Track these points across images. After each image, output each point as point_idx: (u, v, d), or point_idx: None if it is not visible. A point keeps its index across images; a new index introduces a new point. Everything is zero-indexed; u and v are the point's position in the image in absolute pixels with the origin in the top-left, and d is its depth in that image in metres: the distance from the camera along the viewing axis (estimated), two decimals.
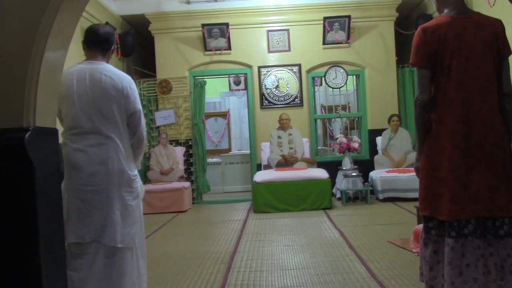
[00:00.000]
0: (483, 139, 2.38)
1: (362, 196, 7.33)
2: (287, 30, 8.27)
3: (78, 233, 2.45)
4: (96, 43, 2.66)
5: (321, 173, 6.98)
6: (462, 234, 2.35)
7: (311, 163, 7.72)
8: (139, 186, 2.72)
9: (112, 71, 2.62)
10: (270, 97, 8.30)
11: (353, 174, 7.27)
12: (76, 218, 2.46)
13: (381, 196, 7.09)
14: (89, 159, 2.49)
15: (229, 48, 8.16)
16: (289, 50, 8.29)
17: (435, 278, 2.45)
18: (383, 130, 7.93)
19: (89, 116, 2.52)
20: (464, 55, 2.41)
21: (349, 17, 7.97)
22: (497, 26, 2.47)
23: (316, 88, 9.06)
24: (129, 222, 2.59)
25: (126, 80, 2.64)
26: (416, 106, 2.50)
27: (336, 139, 7.74)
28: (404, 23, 8.79)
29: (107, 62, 2.73)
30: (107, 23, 7.08)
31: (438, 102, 2.47)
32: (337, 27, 8.05)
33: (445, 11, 2.54)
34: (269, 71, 8.29)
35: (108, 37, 2.70)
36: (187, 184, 7.65)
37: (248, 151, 9.31)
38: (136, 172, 2.71)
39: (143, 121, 2.73)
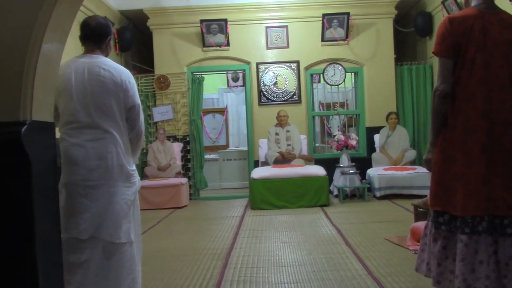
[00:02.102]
0: (503, 137, 2.38)
1: (360, 194, 7.33)
2: (286, 26, 8.26)
3: (77, 228, 2.42)
4: (89, 37, 2.62)
5: (319, 170, 6.98)
6: (476, 231, 2.34)
7: (308, 160, 7.72)
8: (137, 181, 2.70)
9: (111, 65, 2.59)
10: (268, 93, 8.29)
11: (351, 171, 7.27)
12: (75, 213, 2.44)
13: (378, 194, 7.09)
14: (87, 154, 2.46)
15: (228, 44, 8.14)
16: (287, 46, 8.28)
17: (442, 273, 2.44)
18: (381, 127, 7.94)
19: (88, 111, 2.49)
20: (489, 51, 2.40)
21: (348, 14, 7.95)
22: None
23: (315, 85, 9.05)
24: (128, 217, 2.57)
25: (125, 74, 2.61)
26: (435, 97, 2.47)
27: (334, 136, 7.73)
28: (403, 20, 8.78)
29: (107, 54, 2.70)
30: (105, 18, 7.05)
31: (457, 95, 2.44)
32: (336, 24, 8.04)
33: (473, 3, 2.52)
34: (267, 67, 8.28)
35: (100, 30, 2.65)
36: (184, 180, 7.64)
37: (245, 148, 9.30)
38: (134, 167, 2.69)
39: (142, 115, 2.71)
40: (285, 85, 8.28)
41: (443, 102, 2.46)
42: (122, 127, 2.60)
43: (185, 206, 7.46)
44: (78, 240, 2.43)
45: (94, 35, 2.62)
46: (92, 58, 2.58)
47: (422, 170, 6.85)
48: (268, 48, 8.29)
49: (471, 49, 2.40)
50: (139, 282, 2.68)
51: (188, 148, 8.25)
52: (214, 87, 11.58)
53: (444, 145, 2.47)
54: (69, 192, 2.47)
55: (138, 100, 2.67)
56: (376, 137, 8.05)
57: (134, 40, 8.35)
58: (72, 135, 2.48)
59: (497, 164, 2.37)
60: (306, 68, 8.33)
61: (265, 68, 8.28)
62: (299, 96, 8.30)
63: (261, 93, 8.29)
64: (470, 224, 2.35)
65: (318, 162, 7.85)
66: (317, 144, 9.20)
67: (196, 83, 8.26)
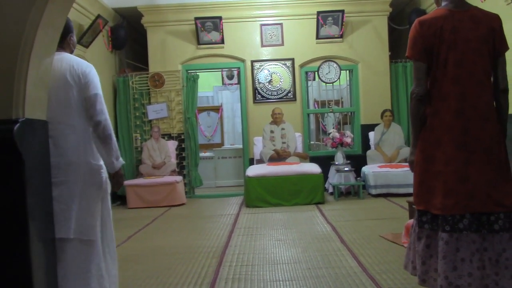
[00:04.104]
0: (480, 133, 2.39)
1: (355, 191, 7.34)
2: (281, 24, 8.25)
3: None
4: None
5: (314, 168, 6.98)
6: (456, 228, 2.35)
7: (303, 157, 7.72)
8: (104, 178, 2.61)
9: (71, 59, 2.55)
10: (263, 91, 8.28)
11: (346, 169, 7.28)
12: None
13: (373, 191, 7.10)
14: (50, 150, 2.41)
15: (222, 42, 8.12)
16: (282, 44, 8.27)
17: (427, 272, 2.45)
18: (375, 125, 7.94)
19: (50, 106, 2.43)
20: (461, 49, 2.41)
21: (342, 11, 7.95)
22: (494, 21, 2.46)
23: (309, 82, 9.04)
24: (90, 213, 2.50)
25: (85, 66, 2.55)
26: (412, 99, 2.50)
27: (329, 134, 7.73)
28: (398, 18, 8.79)
29: (71, 51, 2.66)
30: (99, 16, 7.02)
31: (434, 96, 2.47)
32: (331, 21, 8.04)
33: (443, 3, 2.53)
34: (262, 65, 8.27)
35: None
36: (179, 178, 7.62)
37: (240, 146, 9.30)
38: (101, 163, 2.60)
39: (101, 105, 2.55)
40: (280, 83, 8.27)
41: (419, 105, 2.49)
42: (86, 121, 2.53)
43: (180, 204, 7.43)
44: None
45: None
46: (54, 55, 2.53)
47: None
48: (262, 45, 8.28)
49: (443, 49, 2.42)
50: (107, 280, 2.59)
51: (183, 146, 8.24)
52: (209, 85, 11.57)
53: (424, 145, 2.50)
54: None
55: (95, 90, 2.53)
56: (371, 134, 8.06)
57: (128, 38, 8.31)
58: None
59: (478, 162, 2.38)
60: (301, 66, 8.33)
61: (260, 65, 8.27)
62: (294, 94, 8.30)
63: (256, 91, 8.28)
64: (450, 222, 2.36)
65: (313, 159, 7.87)
66: (312, 142, 9.21)
67: (191, 81, 8.25)
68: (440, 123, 2.43)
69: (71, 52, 2.66)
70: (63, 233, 2.40)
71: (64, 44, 2.63)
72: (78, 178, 2.46)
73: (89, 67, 2.57)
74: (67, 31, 2.64)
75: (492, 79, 2.49)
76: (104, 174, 2.62)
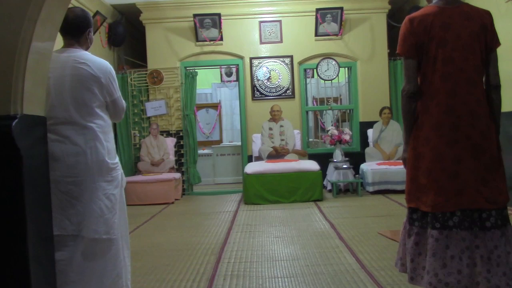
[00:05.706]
0: (471, 130, 2.38)
1: (353, 188, 7.35)
2: (279, 21, 8.24)
3: (59, 224, 2.38)
4: (67, 31, 2.55)
5: (312, 165, 6.99)
6: (446, 226, 2.36)
7: (302, 155, 7.73)
8: (120, 174, 2.64)
9: (89, 58, 2.53)
10: (261, 88, 8.28)
11: (344, 166, 7.28)
12: (57, 210, 2.39)
13: (371, 189, 7.11)
14: (67, 150, 2.42)
15: (221, 38, 8.11)
16: (281, 41, 8.26)
17: (415, 269, 2.46)
18: (374, 122, 7.95)
19: (65, 106, 2.44)
20: (451, 45, 2.41)
21: (341, 9, 7.95)
22: (485, 17, 2.46)
23: (308, 80, 9.03)
24: (111, 212, 2.53)
25: (104, 67, 2.55)
26: (403, 97, 2.51)
27: (328, 131, 7.74)
28: (397, 15, 8.78)
29: (87, 47, 2.64)
30: (97, 12, 7.01)
31: (424, 92, 2.47)
32: (330, 19, 8.03)
33: (434, 1, 2.54)
34: (260, 62, 8.26)
35: (78, 23, 2.57)
36: (177, 175, 7.62)
37: (239, 143, 9.30)
38: (116, 160, 2.63)
39: (121, 104, 2.68)
40: (279, 80, 8.27)
41: (410, 102, 2.49)
42: (102, 120, 2.55)
43: (179, 201, 7.44)
44: (61, 236, 2.38)
45: (72, 29, 2.54)
46: (70, 52, 2.52)
47: None
48: (261, 42, 8.27)
49: (433, 46, 2.42)
50: (124, 277, 2.63)
51: (182, 143, 8.24)
52: (207, 82, 11.56)
53: (415, 143, 2.50)
54: (51, 188, 2.41)
55: (116, 94, 2.61)
56: (370, 131, 8.06)
57: (127, 34, 8.30)
58: (51, 131, 2.42)
59: (468, 158, 2.37)
60: (300, 63, 8.33)
61: (258, 63, 8.26)
62: (293, 91, 8.29)
63: (255, 88, 8.28)
64: (440, 219, 2.36)
65: (311, 157, 7.86)
66: (310, 139, 9.21)
67: (190, 78, 8.24)
68: (430, 120, 2.43)
69: (87, 49, 2.64)
70: (86, 232, 2.42)
71: (81, 39, 2.60)
72: (96, 176, 2.48)
73: (107, 68, 2.56)
74: (86, 25, 2.62)
75: (484, 75, 2.48)
76: (120, 170, 2.66)
